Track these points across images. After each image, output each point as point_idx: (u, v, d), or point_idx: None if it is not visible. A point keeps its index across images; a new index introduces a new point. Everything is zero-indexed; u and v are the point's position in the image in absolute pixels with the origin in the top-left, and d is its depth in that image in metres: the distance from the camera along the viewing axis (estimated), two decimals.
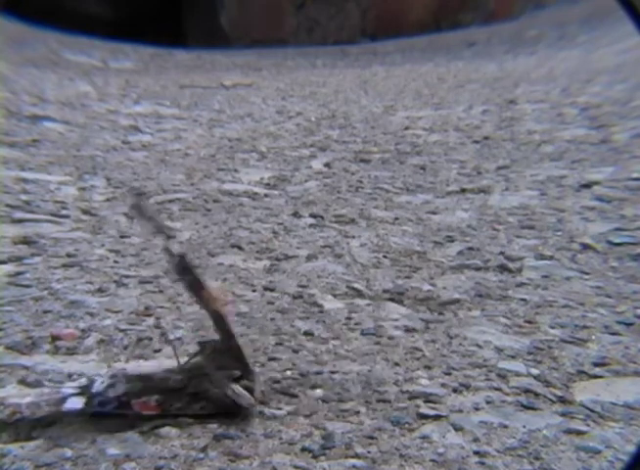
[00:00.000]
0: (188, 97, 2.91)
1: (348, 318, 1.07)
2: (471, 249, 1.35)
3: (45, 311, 1.07)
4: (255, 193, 1.66)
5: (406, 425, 0.79)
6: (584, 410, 0.83)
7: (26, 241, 1.35)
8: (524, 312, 1.09)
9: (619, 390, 0.87)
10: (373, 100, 2.86)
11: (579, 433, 0.78)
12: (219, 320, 0.83)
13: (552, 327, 1.03)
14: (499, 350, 0.97)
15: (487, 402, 0.84)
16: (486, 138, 2.18)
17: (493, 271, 1.25)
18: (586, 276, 1.22)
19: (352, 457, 0.74)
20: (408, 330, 1.03)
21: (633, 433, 0.78)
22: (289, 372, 0.90)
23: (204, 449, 0.74)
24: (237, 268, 1.25)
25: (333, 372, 0.90)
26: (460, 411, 0.82)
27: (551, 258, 1.30)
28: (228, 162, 1.97)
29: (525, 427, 0.79)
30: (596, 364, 0.93)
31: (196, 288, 0.84)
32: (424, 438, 0.77)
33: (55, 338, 0.99)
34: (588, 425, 0.80)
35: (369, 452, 0.74)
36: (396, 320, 1.06)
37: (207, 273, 1.23)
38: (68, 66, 3.53)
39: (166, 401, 0.80)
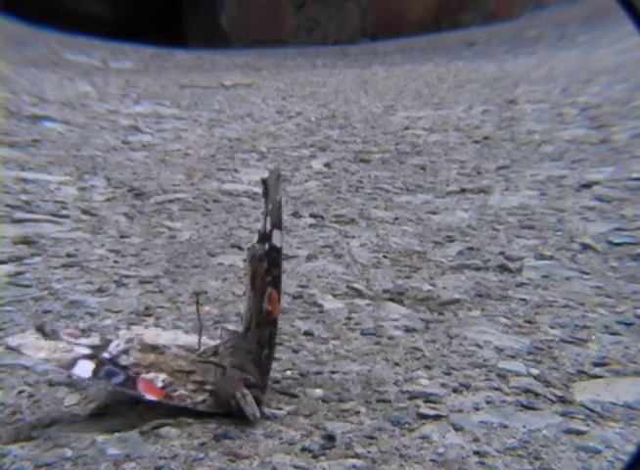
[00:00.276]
0: (188, 97, 2.91)
1: (348, 318, 1.07)
2: (471, 249, 1.35)
3: (45, 311, 1.07)
4: (256, 193, 1.66)
5: (406, 425, 0.79)
6: (584, 410, 0.82)
7: (26, 241, 1.35)
8: (524, 312, 1.09)
9: (620, 390, 0.87)
10: (373, 100, 2.86)
11: (579, 433, 0.78)
12: (268, 323, 0.82)
13: (552, 327, 1.03)
14: (499, 350, 0.96)
15: (487, 402, 0.83)
16: (486, 138, 2.18)
17: (493, 271, 1.25)
18: (586, 276, 1.22)
19: (352, 457, 0.73)
20: (408, 330, 1.03)
21: (633, 433, 0.78)
22: (289, 372, 0.90)
23: (204, 449, 0.74)
24: (237, 268, 1.25)
25: (333, 372, 0.90)
26: (460, 411, 0.82)
27: (551, 258, 1.30)
28: (228, 162, 1.97)
29: (525, 427, 0.79)
30: (596, 364, 0.93)
31: (263, 281, 0.81)
32: (424, 438, 0.77)
33: None
34: (588, 425, 0.80)
35: (369, 452, 0.74)
36: (396, 320, 1.06)
37: (207, 273, 1.23)
38: (68, 66, 3.53)
39: (171, 385, 0.79)
